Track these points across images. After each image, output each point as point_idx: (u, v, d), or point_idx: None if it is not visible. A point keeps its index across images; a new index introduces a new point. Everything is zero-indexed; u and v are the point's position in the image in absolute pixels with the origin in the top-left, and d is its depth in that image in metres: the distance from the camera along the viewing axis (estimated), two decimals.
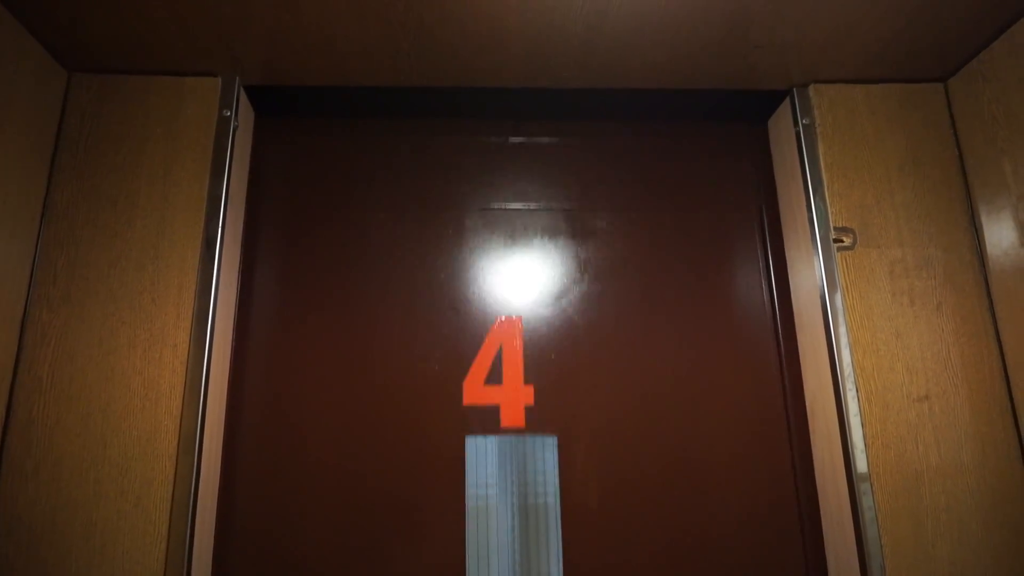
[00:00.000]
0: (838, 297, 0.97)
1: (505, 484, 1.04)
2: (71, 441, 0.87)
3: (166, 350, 0.91)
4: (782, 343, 1.10)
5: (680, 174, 1.18)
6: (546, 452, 1.05)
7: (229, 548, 0.98)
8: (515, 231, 1.15)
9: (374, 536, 1.00)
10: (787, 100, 1.09)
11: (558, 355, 1.08)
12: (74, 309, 0.92)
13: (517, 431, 1.05)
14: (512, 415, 1.06)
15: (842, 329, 0.95)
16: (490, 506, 1.02)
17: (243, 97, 1.07)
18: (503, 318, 1.09)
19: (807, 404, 1.06)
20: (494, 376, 1.07)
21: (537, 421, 1.06)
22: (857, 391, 0.93)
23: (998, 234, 0.95)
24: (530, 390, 1.07)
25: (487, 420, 1.05)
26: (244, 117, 1.08)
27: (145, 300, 0.93)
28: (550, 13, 0.88)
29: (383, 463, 1.02)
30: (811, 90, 1.05)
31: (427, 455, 1.03)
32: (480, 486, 1.03)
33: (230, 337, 1.04)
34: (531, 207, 1.15)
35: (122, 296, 0.93)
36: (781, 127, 1.13)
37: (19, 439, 0.87)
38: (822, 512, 1.01)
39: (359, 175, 1.16)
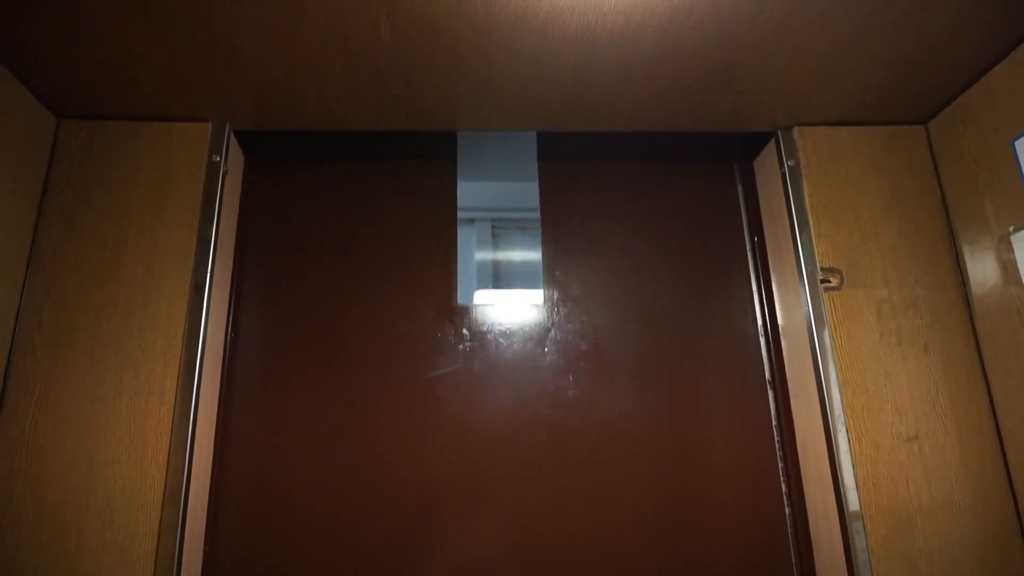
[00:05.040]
0: (827, 336, 0.97)
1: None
2: (54, 492, 0.85)
3: (152, 398, 0.90)
4: (776, 381, 1.11)
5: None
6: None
7: None
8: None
9: None
10: (772, 141, 1.11)
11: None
12: (59, 356, 0.90)
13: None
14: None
15: (831, 368, 0.96)
16: None
17: (233, 142, 1.07)
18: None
19: (798, 443, 1.06)
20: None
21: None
22: (847, 431, 0.93)
23: (982, 274, 0.96)
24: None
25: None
26: (234, 161, 1.08)
27: (132, 347, 0.92)
28: (538, 64, 0.89)
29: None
30: (795, 132, 1.07)
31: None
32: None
33: (218, 385, 1.03)
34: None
35: (109, 343, 0.92)
36: (767, 167, 1.14)
37: None
38: (815, 552, 1.01)
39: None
